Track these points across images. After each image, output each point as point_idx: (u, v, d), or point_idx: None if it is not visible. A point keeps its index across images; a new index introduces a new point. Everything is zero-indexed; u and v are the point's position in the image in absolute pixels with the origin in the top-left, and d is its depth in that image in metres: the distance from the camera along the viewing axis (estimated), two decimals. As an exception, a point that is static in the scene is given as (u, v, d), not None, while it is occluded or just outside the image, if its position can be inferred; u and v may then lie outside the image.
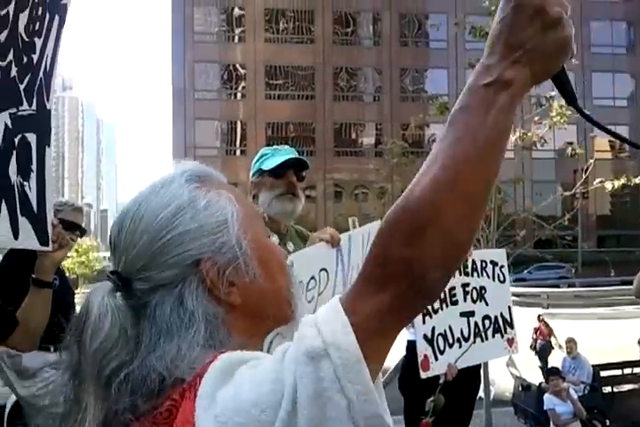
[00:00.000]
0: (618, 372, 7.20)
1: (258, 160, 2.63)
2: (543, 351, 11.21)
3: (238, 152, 39.79)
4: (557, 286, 28.30)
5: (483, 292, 3.37)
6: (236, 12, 39.62)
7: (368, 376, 0.68)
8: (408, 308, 0.74)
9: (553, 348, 11.35)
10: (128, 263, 0.85)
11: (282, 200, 2.52)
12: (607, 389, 6.80)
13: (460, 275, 3.32)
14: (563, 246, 28.95)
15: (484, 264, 3.42)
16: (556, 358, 8.37)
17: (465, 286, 3.31)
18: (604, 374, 7.05)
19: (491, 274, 3.44)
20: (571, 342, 8.02)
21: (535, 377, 7.82)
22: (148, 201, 0.86)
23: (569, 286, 28.78)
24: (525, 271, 30.47)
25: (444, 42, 37.83)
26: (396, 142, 11.62)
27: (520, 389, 7.33)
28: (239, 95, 39.93)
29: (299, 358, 0.68)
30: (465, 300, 3.30)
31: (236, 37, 40.15)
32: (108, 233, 0.90)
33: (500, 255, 3.58)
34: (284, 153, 2.60)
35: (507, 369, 9.19)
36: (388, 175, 12.52)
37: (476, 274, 3.38)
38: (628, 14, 41.86)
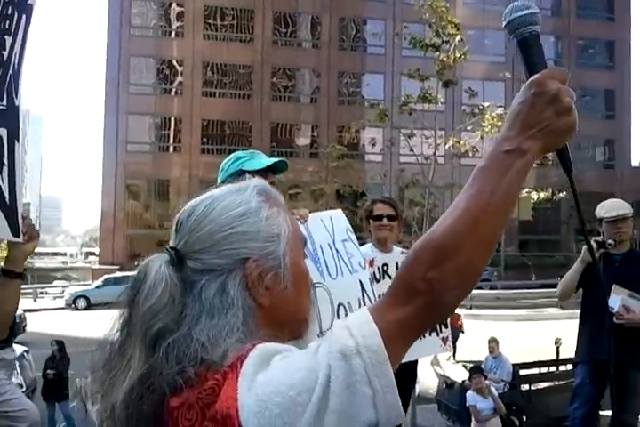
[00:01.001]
0: (535, 371, 7.59)
1: (235, 162, 2.74)
2: (453, 337, 12.01)
3: (171, 148, 39.23)
4: (480, 288, 29.29)
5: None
6: (175, 7, 39.08)
7: (391, 373, 0.83)
8: (424, 321, 0.90)
9: (463, 332, 12.22)
10: (189, 244, 0.98)
11: None
12: (525, 386, 7.15)
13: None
14: (487, 250, 29.96)
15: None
16: (479, 357, 8.73)
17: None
18: (522, 372, 7.41)
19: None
20: (493, 342, 8.36)
21: (458, 375, 8.16)
22: (222, 199, 1.00)
23: (491, 289, 29.83)
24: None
25: (382, 48, 38.47)
26: (335, 146, 11.83)
27: (444, 386, 7.58)
28: (175, 91, 39.37)
29: (333, 354, 0.82)
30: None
31: (174, 33, 39.59)
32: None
33: None
34: (262, 156, 2.77)
35: (431, 368, 9.55)
36: (325, 177, 12.72)
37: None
38: (557, 28, 43.75)
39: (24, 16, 2.27)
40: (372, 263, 3.49)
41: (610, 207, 4.39)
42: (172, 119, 38.95)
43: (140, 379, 0.91)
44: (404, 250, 3.99)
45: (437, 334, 3.67)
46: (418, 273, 0.86)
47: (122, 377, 0.92)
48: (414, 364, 3.82)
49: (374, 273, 3.50)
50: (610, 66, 45.04)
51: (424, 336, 3.53)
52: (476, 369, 6.90)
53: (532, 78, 0.94)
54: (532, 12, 0.98)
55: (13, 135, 2.23)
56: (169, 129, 39.23)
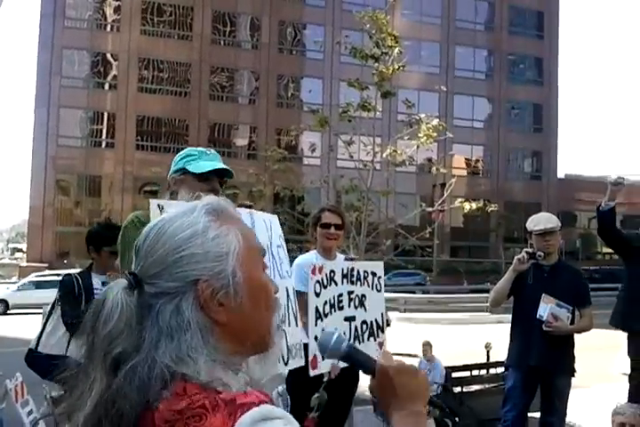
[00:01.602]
0: (467, 373, 7.83)
1: (183, 158, 2.73)
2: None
3: (104, 144, 38.29)
4: (413, 292, 29.89)
5: (363, 299, 3.70)
6: (112, 1, 38.17)
7: None
8: None
9: (389, 325, 12.46)
10: (145, 268, 1.01)
11: None
12: (457, 389, 7.37)
13: (348, 283, 3.65)
14: (421, 255, 30.71)
15: (365, 274, 3.78)
16: (412, 360, 8.96)
17: (350, 293, 3.64)
18: (455, 375, 7.63)
19: (370, 283, 3.80)
20: (426, 346, 8.59)
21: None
22: (173, 221, 1.03)
23: (424, 293, 30.47)
24: (385, 277, 31.74)
25: (321, 53, 38.75)
26: (277, 150, 11.92)
27: (379, 388, 7.73)
28: (109, 85, 38.45)
29: None
30: (349, 306, 3.62)
31: (109, 26, 38.67)
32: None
33: (379, 268, 3.96)
34: (211, 158, 2.73)
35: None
36: (265, 179, 12.79)
37: (359, 283, 3.72)
38: (489, 43, 45.19)
39: None
40: (320, 270, 3.58)
41: (538, 221, 4.65)
42: (106, 114, 38.05)
43: (104, 402, 0.93)
44: (346, 256, 4.11)
45: (375, 339, 3.79)
46: None
47: (85, 399, 0.95)
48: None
49: (322, 280, 3.59)
50: (538, 81, 46.87)
51: (362, 341, 3.67)
52: (410, 372, 7.07)
53: (390, 374, 1.19)
54: (338, 336, 1.21)
55: None
56: (102, 124, 38.30)
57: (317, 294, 3.45)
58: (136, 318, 0.98)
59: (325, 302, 3.52)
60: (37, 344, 3.98)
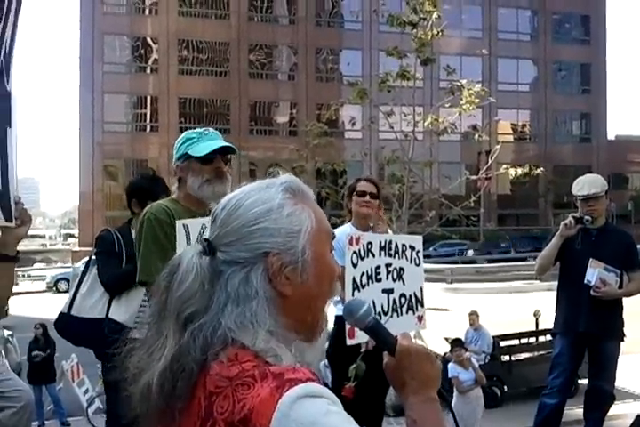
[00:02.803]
0: (515, 342, 7.77)
1: (183, 144, 2.70)
2: None
3: (149, 128, 38.83)
4: (459, 263, 29.67)
5: (401, 272, 3.67)
6: (148, -17, 38.33)
7: None
8: None
9: None
10: (219, 236, 1.07)
11: (213, 184, 2.63)
12: (505, 358, 7.32)
13: (386, 256, 3.62)
14: (467, 225, 30.32)
15: (404, 248, 3.73)
16: (460, 331, 8.92)
17: (388, 265, 3.61)
18: (503, 344, 7.58)
19: (409, 257, 3.75)
20: (473, 315, 8.53)
21: (440, 348, 8.33)
22: (250, 195, 1.08)
23: (471, 263, 30.21)
24: (430, 248, 31.59)
25: (359, 24, 38.16)
26: (316, 124, 11.83)
27: (426, 359, 7.74)
28: (150, 69, 38.83)
29: None
30: (387, 278, 3.60)
31: (147, 10, 38.89)
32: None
33: (417, 241, 3.90)
34: (210, 138, 2.69)
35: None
36: (306, 155, 12.72)
37: (397, 256, 3.69)
38: (532, 3, 43.68)
39: (14, 2, 2.26)
40: (357, 241, 3.55)
41: (582, 185, 4.49)
42: (149, 98, 38.50)
43: (172, 358, 1.00)
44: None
45: (414, 313, 3.75)
46: None
47: (158, 355, 1.02)
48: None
49: (359, 251, 3.56)
50: (585, 40, 45.18)
51: (401, 314, 3.64)
52: (456, 342, 7.05)
53: (410, 352, 1.18)
54: (368, 307, 1.20)
55: (5, 121, 2.27)
56: (145, 108, 38.79)
57: (355, 265, 3.43)
58: (208, 281, 1.04)
59: (363, 274, 3.50)
60: (70, 308, 3.56)
